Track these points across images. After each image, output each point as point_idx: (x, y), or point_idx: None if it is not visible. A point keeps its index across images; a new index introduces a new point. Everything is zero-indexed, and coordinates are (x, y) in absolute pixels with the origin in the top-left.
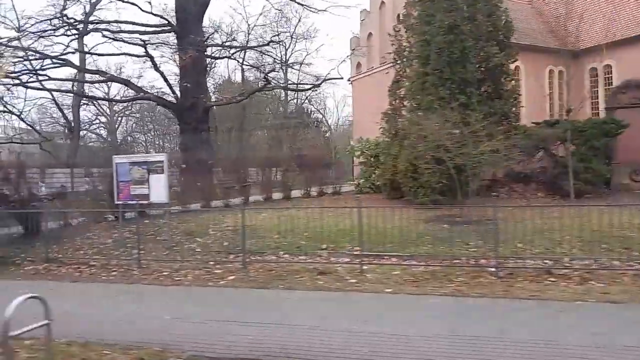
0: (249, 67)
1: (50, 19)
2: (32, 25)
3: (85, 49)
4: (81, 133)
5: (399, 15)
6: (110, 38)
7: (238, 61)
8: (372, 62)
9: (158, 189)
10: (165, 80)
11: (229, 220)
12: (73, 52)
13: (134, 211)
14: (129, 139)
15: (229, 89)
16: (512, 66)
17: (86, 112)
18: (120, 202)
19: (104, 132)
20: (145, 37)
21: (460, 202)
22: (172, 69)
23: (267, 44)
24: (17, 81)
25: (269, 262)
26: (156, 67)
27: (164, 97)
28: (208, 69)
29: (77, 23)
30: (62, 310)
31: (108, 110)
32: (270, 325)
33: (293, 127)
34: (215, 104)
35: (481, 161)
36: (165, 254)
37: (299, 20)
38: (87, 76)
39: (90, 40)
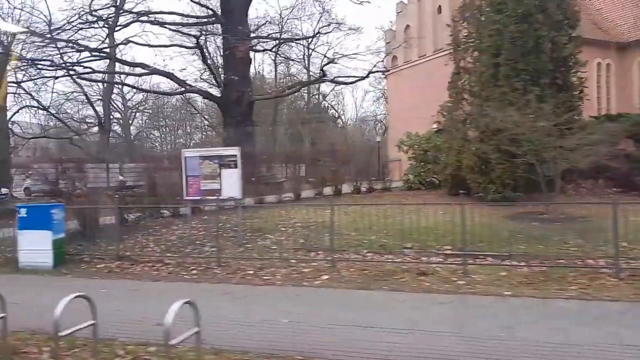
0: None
1: (80, 14)
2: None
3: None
4: (95, 129)
5: (439, 7)
6: (155, 24)
7: (278, 54)
8: (410, 55)
9: (230, 184)
10: (212, 72)
11: (296, 216)
12: (116, 45)
13: (187, 206)
14: (143, 134)
15: (262, 83)
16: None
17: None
18: (190, 198)
19: (117, 128)
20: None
21: (545, 198)
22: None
23: (314, 36)
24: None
25: (356, 261)
26: (204, 59)
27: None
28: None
29: (108, 17)
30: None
31: (122, 107)
32: (405, 330)
33: (316, 122)
34: (260, 97)
35: (568, 156)
36: (240, 251)
37: (321, 14)
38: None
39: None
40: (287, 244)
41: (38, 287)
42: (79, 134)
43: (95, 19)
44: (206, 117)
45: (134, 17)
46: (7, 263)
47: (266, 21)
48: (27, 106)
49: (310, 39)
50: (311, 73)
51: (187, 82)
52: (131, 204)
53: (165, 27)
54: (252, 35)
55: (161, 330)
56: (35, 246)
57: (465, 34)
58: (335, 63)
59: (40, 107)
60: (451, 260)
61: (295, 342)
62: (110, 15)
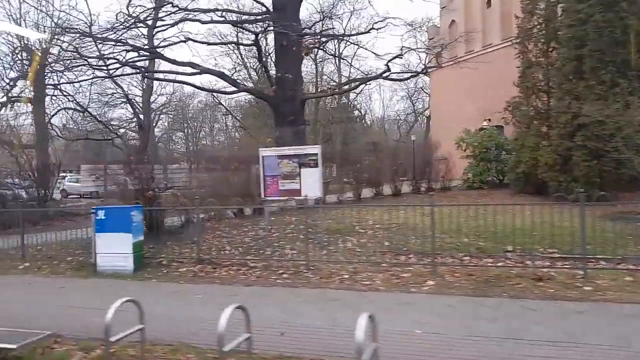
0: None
1: (118, 14)
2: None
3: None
4: (121, 131)
5: (489, 1)
6: (205, 22)
7: (326, 51)
8: (456, 51)
9: (311, 183)
10: (267, 71)
11: (370, 216)
12: (173, 43)
13: (269, 206)
14: (165, 136)
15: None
16: None
17: (124, 111)
18: (268, 199)
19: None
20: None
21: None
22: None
23: (368, 32)
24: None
25: (455, 265)
26: (260, 57)
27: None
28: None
29: (147, 17)
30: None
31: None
32: (563, 343)
33: (347, 121)
34: (313, 95)
35: None
36: (324, 253)
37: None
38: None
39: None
40: (372, 247)
41: (131, 293)
42: (119, 135)
43: (133, 20)
44: (238, 117)
45: (182, 16)
46: (82, 267)
47: (325, 16)
48: (65, 108)
49: (355, 35)
50: (344, 71)
51: (237, 81)
52: (198, 205)
53: (211, 24)
54: (306, 32)
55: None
56: (114, 249)
57: (536, 25)
58: (400, 57)
59: (81, 108)
60: (561, 264)
61: (445, 358)
62: (150, 15)
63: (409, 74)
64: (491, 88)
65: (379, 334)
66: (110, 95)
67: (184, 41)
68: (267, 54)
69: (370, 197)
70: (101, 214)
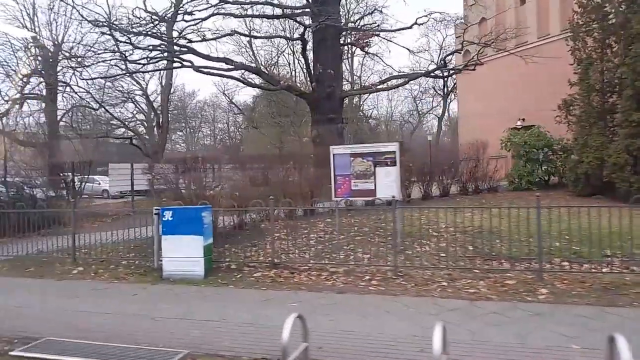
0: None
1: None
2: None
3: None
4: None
5: None
6: (239, 17)
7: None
8: (486, 50)
9: (387, 183)
10: (308, 67)
11: (436, 218)
12: (222, 35)
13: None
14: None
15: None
16: None
17: (124, 110)
18: (339, 199)
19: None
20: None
21: None
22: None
23: (410, 27)
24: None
25: (555, 271)
26: (304, 52)
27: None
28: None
29: (166, 12)
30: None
31: (145, 107)
32: None
33: (358, 121)
34: (353, 92)
35: None
36: (403, 258)
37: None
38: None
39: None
40: (453, 251)
41: (215, 301)
42: (138, 134)
43: (150, 15)
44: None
45: (214, 10)
46: (145, 272)
47: (369, 12)
48: (78, 105)
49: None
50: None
51: (274, 77)
52: (273, 205)
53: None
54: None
55: None
56: (183, 253)
57: (594, 21)
58: (459, 53)
59: (99, 106)
60: None
61: None
62: (169, 10)
63: (449, 71)
64: (524, 87)
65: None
66: (131, 92)
67: (231, 34)
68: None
69: (418, 199)
70: (168, 215)
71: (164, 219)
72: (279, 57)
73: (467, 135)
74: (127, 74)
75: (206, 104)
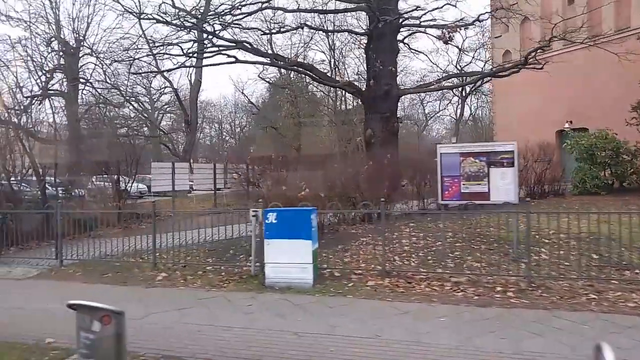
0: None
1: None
2: None
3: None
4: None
5: None
6: (289, 11)
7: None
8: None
9: (502, 186)
10: (369, 64)
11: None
12: (294, 28)
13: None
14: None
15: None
16: None
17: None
18: (446, 202)
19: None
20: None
21: None
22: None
23: (471, 23)
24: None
25: None
26: (368, 49)
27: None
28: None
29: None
30: None
31: (149, 106)
32: None
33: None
34: (410, 91)
35: None
36: (523, 268)
37: None
38: None
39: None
40: (575, 260)
41: (342, 314)
42: (166, 132)
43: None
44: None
45: (258, 6)
46: (242, 278)
47: (439, 8)
48: (101, 103)
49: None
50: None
51: (327, 75)
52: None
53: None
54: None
55: None
56: (289, 259)
57: None
58: (544, 50)
59: (123, 102)
60: None
61: None
62: (199, 6)
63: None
64: (572, 88)
65: None
66: (162, 89)
67: (300, 27)
68: (331, 47)
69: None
70: (272, 217)
71: (267, 221)
72: (305, 51)
73: (504, 137)
74: (162, 72)
75: (209, 104)
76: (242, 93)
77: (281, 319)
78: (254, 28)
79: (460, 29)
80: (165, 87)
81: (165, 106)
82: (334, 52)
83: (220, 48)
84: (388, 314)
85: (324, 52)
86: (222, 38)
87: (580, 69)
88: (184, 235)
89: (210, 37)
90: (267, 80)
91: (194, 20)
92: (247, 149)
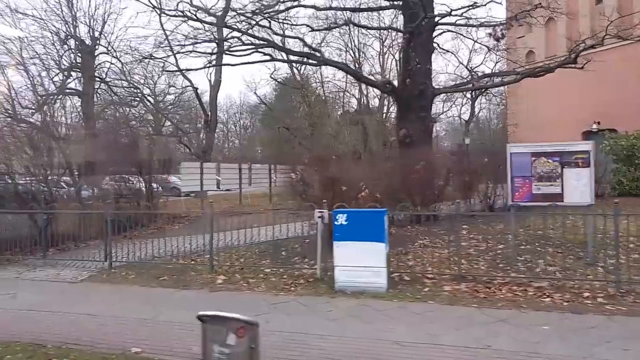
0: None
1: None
2: None
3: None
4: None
5: None
6: (323, 9)
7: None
8: (554, 49)
9: (577, 187)
10: (407, 62)
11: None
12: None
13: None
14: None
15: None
16: None
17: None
18: (515, 204)
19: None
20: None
21: None
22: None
23: (506, 22)
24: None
25: None
26: (408, 46)
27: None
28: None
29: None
30: None
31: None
32: None
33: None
34: (445, 90)
35: None
36: (599, 270)
37: None
38: None
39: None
40: None
41: (431, 321)
42: (185, 132)
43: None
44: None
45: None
46: (310, 282)
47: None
48: (119, 103)
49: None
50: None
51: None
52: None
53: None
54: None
55: None
56: (361, 262)
57: None
58: (594, 48)
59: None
60: None
61: None
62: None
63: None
64: (600, 89)
65: None
66: (183, 89)
67: (346, 24)
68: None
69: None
70: (342, 219)
71: (336, 223)
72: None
73: (524, 138)
74: (182, 70)
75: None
76: (255, 93)
77: (370, 326)
78: (302, 24)
79: (511, 27)
80: (170, 87)
81: (170, 107)
82: (358, 51)
83: (255, 46)
84: (483, 321)
85: (342, 50)
86: (254, 36)
87: (608, 69)
88: (229, 236)
89: (239, 35)
90: (280, 81)
91: (212, 19)
92: (253, 149)
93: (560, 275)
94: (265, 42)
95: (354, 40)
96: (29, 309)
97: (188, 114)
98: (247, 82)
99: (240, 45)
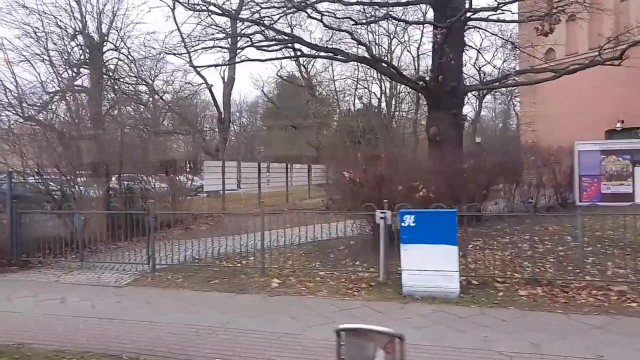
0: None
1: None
2: None
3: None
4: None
5: None
6: (356, 4)
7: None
8: (576, 47)
9: None
10: (441, 58)
11: None
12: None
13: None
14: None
15: None
16: None
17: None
18: (585, 203)
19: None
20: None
21: None
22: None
23: (542, 18)
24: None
25: None
26: (444, 42)
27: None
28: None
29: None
30: None
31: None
32: None
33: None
34: (477, 87)
35: None
36: None
37: None
38: None
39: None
40: None
41: (529, 330)
42: (198, 130)
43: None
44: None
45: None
46: (372, 286)
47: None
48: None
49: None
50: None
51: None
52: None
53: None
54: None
55: None
56: (431, 265)
57: None
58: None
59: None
60: None
61: None
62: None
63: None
64: (623, 87)
65: None
66: (198, 86)
67: (385, 17)
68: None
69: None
70: (409, 220)
71: (403, 224)
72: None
73: (541, 137)
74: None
75: (210, 104)
76: (263, 92)
77: (464, 335)
78: (346, 17)
79: (559, 21)
80: (168, 85)
81: (169, 105)
82: (379, 48)
83: (281, 41)
84: (579, 329)
85: (358, 46)
86: (280, 31)
87: (633, 66)
88: (268, 237)
89: (261, 30)
90: (287, 79)
91: (229, 12)
92: (255, 148)
93: (634, 278)
94: (291, 38)
95: (362, 38)
96: (85, 315)
97: (193, 112)
98: (254, 80)
99: (265, 41)
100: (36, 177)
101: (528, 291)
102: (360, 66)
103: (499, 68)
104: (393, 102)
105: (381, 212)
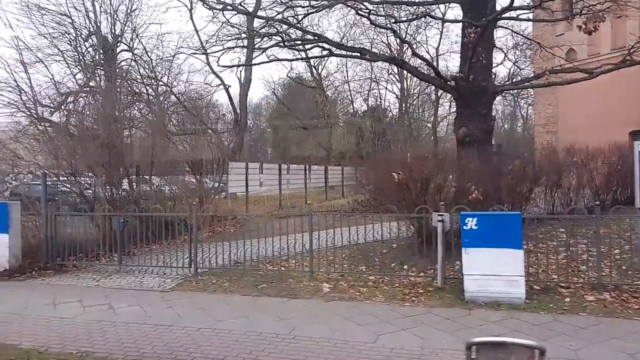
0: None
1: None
2: None
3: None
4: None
5: None
6: (385, 2)
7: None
8: (598, 48)
9: None
10: (472, 57)
11: None
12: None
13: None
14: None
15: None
16: None
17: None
18: None
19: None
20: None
21: None
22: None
23: (569, 18)
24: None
25: None
26: (477, 41)
27: None
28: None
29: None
30: None
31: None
32: None
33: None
34: (508, 87)
35: None
36: None
37: None
38: None
39: None
40: None
41: (615, 340)
42: (215, 132)
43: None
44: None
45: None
46: (430, 292)
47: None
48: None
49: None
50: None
51: (418, 69)
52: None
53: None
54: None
55: None
56: (494, 270)
57: None
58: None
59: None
60: None
61: None
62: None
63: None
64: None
65: None
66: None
67: (423, 16)
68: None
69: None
70: (471, 223)
71: (465, 227)
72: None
73: (560, 138)
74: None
75: (214, 105)
76: (274, 93)
77: (547, 344)
78: (387, 15)
79: (603, 20)
80: (173, 87)
81: (172, 106)
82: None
83: (308, 41)
84: None
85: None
86: (308, 32)
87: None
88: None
89: (287, 29)
90: (298, 80)
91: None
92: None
93: None
94: (317, 38)
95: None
96: (138, 322)
97: (214, 113)
98: (265, 81)
99: (291, 41)
100: (70, 178)
101: (595, 297)
102: (374, 67)
103: (509, 68)
104: (409, 102)
105: (439, 215)
